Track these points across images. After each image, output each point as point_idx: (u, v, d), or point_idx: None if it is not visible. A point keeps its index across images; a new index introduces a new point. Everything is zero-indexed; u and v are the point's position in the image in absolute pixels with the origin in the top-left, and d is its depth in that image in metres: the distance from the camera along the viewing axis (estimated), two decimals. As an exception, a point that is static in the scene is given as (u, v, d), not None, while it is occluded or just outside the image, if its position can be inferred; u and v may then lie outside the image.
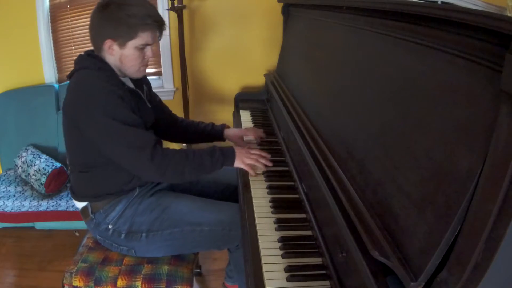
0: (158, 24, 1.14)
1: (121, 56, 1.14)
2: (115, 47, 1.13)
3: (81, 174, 1.19)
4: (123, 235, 1.19)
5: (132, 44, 1.13)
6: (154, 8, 1.15)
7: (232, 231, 1.17)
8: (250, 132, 1.49)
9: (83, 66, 1.12)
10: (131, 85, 1.23)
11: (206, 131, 1.49)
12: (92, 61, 1.13)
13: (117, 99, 1.07)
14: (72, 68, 1.17)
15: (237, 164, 1.21)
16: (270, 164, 1.26)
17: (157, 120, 1.35)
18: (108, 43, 1.12)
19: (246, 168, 1.23)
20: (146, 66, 1.22)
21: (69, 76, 1.16)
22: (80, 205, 1.23)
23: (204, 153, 1.17)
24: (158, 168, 1.08)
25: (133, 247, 1.20)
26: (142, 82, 1.31)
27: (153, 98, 1.40)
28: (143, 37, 1.13)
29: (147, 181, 1.25)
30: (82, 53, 1.18)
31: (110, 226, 1.19)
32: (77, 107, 1.08)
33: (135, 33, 1.11)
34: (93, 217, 1.20)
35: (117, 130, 1.05)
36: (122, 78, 1.19)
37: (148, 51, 1.17)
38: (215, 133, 1.49)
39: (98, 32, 1.13)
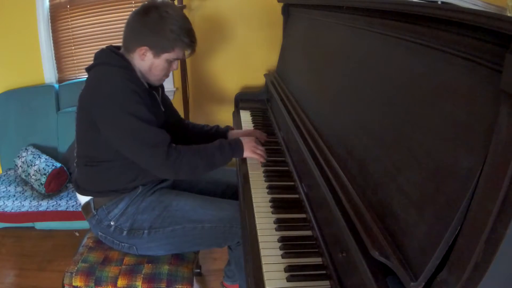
0: (193, 44, 1.21)
1: (152, 64, 1.18)
2: (149, 54, 1.17)
3: (87, 168, 1.20)
4: (125, 232, 1.19)
5: (166, 56, 1.18)
6: (191, 24, 1.20)
7: (233, 227, 1.18)
8: (255, 133, 1.51)
9: (104, 62, 1.14)
10: (147, 87, 1.25)
11: (210, 133, 1.52)
12: (114, 58, 1.16)
13: (136, 96, 1.09)
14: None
15: (247, 154, 1.25)
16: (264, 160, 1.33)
17: (167, 123, 1.36)
18: (143, 49, 1.15)
19: (256, 156, 1.26)
20: (167, 77, 1.27)
21: (88, 69, 1.18)
22: (83, 199, 1.24)
23: (214, 148, 1.19)
24: (173, 166, 1.11)
25: (134, 244, 1.20)
26: (154, 88, 1.33)
27: (165, 100, 1.42)
28: (177, 52, 1.19)
29: (150, 180, 1.25)
30: (104, 47, 1.20)
31: (112, 223, 1.20)
32: (96, 103, 1.09)
33: (172, 48, 1.16)
34: (95, 213, 1.21)
35: (135, 127, 1.07)
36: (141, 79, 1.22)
37: (175, 64, 1.23)
38: (219, 135, 1.51)
39: (136, 37, 1.16)
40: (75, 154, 1.24)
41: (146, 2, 1.16)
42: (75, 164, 1.25)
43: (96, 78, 1.12)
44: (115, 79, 1.09)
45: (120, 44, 1.22)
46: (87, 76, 1.18)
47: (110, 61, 1.14)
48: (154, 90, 1.28)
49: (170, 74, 2.21)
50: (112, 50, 1.18)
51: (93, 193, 1.21)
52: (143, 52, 1.16)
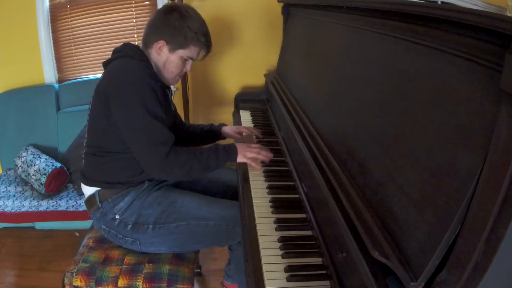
0: (208, 45, 1.26)
1: (167, 59, 1.22)
2: (165, 49, 1.21)
3: (95, 158, 1.21)
4: (129, 226, 1.20)
5: (180, 53, 1.22)
6: (208, 29, 1.25)
7: (236, 227, 1.18)
8: (246, 129, 1.52)
9: (126, 54, 1.18)
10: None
11: (205, 131, 1.54)
12: (136, 52, 1.20)
13: (152, 91, 1.12)
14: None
15: (240, 159, 1.24)
16: (271, 155, 1.28)
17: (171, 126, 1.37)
18: (160, 43, 1.20)
19: (248, 161, 1.25)
20: (180, 77, 1.30)
21: (106, 64, 1.21)
22: (88, 190, 1.24)
23: (209, 151, 1.20)
24: (168, 167, 1.11)
25: (138, 238, 1.20)
26: (168, 86, 1.35)
27: (172, 104, 1.43)
28: (191, 51, 1.23)
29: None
30: (126, 42, 1.24)
31: (117, 217, 1.20)
32: (113, 91, 1.11)
33: (187, 45, 1.21)
34: (100, 205, 1.21)
35: (146, 121, 1.09)
36: None
37: (189, 64, 1.27)
38: (213, 132, 1.54)
39: (155, 31, 1.21)
40: (84, 144, 1.25)
41: (169, 3, 1.23)
42: (83, 154, 1.26)
43: (117, 68, 1.15)
44: (135, 72, 1.12)
45: (136, 44, 1.26)
46: (103, 71, 1.21)
47: (132, 54, 1.18)
48: (167, 89, 1.31)
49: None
50: (132, 45, 1.23)
51: (100, 183, 1.22)
52: (159, 46, 1.20)
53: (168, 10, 1.20)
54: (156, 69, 1.24)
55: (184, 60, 1.24)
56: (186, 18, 1.18)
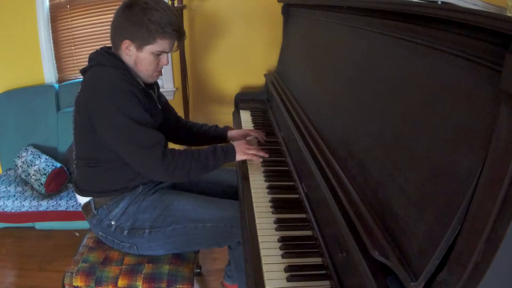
0: (177, 34, 1.15)
1: (137, 58, 1.16)
2: (132, 48, 1.14)
3: (87, 169, 1.20)
4: (125, 232, 1.19)
5: (149, 49, 1.14)
6: (176, 16, 1.16)
7: (233, 227, 1.18)
8: (253, 132, 1.51)
9: (100, 63, 1.13)
10: (143, 85, 1.24)
11: (210, 133, 1.51)
12: (109, 58, 1.14)
13: (133, 97, 1.08)
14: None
15: (239, 156, 1.24)
16: (266, 155, 1.31)
17: (163, 121, 1.36)
18: (126, 43, 1.13)
19: (249, 157, 1.25)
20: (159, 72, 1.24)
21: (83, 71, 1.17)
22: (83, 200, 1.24)
23: (207, 152, 1.19)
24: (167, 168, 1.10)
25: (135, 243, 1.20)
26: (152, 83, 1.32)
27: (161, 99, 1.41)
28: (161, 44, 1.14)
29: (150, 179, 1.25)
30: (98, 49, 1.19)
31: (113, 223, 1.20)
32: (92, 103, 1.08)
33: (153, 39, 1.13)
34: (95, 213, 1.21)
35: (130, 129, 1.06)
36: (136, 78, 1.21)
37: (164, 58, 1.19)
38: (218, 134, 1.52)
39: (118, 31, 1.14)
40: (74, 156, 1.24)
41: None
42: (74, 165, 1.25)
43: (93, 79, 1.11)
44: (111, 80, 1.08)
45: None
46: (82, 78, 1.17)
47: (106, 62, 1.13)
48: (150, 89, 1.27)
49: (170, 74, 2.24)
50: (106, 51, 1.17)
51: (94, 193, 1.21)
52: (126, 46, 1.14)
53: (126, 6, 1.11)
54: (132, 69, 1.18)
55: (156, 55, 1.16)
56: (146, 10, 1.09)
